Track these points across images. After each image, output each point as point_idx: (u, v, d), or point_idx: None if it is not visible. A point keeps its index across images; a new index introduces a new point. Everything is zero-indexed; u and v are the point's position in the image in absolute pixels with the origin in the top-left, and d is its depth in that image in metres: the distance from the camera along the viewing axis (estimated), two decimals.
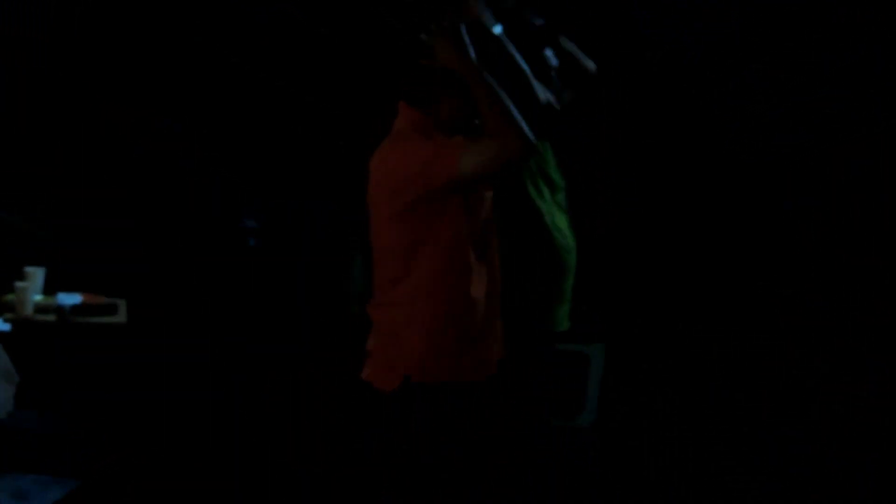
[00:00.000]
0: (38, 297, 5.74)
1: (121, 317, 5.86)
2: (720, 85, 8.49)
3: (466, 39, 4.04)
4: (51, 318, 5.66)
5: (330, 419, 6.67)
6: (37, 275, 5.80)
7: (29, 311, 5.63)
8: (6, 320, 5.48)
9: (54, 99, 8.76)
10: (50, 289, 5.89)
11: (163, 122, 8.50)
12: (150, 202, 8.19)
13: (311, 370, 6.93)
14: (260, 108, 8.79)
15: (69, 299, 5.77)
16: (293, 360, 6.99)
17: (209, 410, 6.26)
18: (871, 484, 5.71)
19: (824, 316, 7.40)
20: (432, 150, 3.86)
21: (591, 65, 5.01)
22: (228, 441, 6.14)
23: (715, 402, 7.16)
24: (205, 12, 8.61)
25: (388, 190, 3.96)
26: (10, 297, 5.64)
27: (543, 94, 4.52)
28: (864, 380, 6.88)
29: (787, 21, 8.23)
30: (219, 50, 8.74)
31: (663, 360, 6.98)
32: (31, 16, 8.20)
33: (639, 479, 5.90)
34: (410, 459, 3.87)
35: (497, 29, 4.67)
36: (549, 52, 4.83)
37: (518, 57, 4.58)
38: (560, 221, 4.86)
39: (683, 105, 8.39)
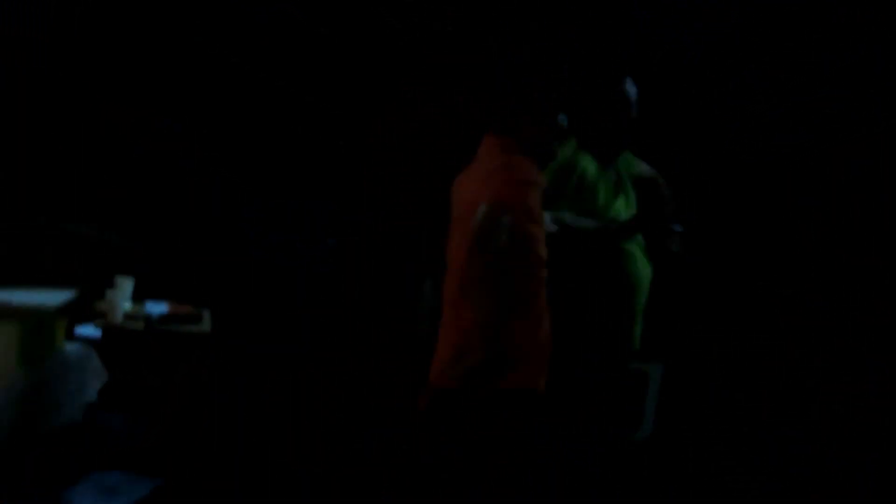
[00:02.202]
0: (128, 306, 5.78)
1: (205, 326, 5.90)
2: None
3: None
4: (139, 326, 5.71)
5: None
6: (125, 284, 5.82)
7: (118, 318, 5.67)
8: (97, 326, 5.53)
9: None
10: (138, 297, 5.94)
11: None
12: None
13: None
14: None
15: (156, 308, 5.85)
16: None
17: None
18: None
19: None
20: (507, 172, 3.96)
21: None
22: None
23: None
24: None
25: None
26: (100, 305, 5.67)
27: None
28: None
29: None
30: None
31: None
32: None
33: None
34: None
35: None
36: None
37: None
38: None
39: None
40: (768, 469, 6.41)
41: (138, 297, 5.90)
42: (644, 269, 4.83)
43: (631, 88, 4.99)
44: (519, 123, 4.13)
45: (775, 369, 7.28)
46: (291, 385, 6.75)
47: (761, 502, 6.02)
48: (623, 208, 5.32)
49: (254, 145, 8.89)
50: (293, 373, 6.88)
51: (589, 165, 4.97)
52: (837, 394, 7.20)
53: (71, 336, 5.10)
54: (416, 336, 7.88)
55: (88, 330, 5.39)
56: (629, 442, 5.63)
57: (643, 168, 5.14)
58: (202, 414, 5.76)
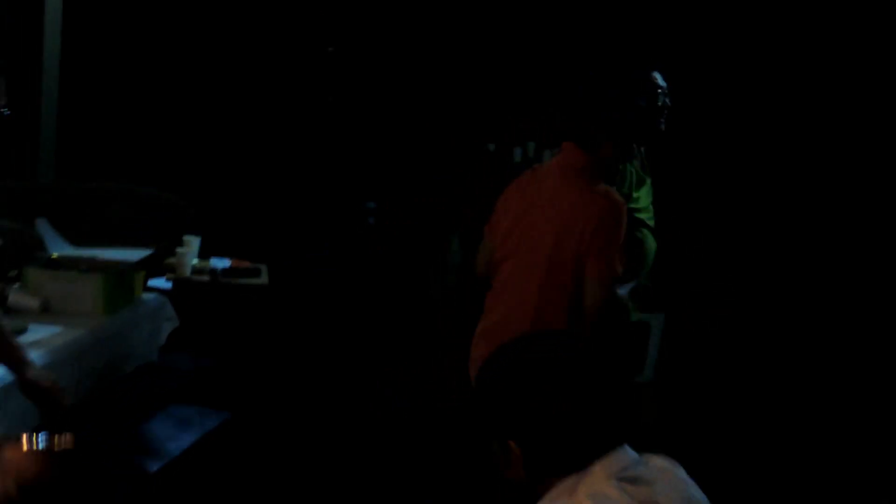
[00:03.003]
0: (195, 261, 5.95)
1: (263, 279, 6.05)
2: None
3: None
4: (205, 278, 5.89)
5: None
6: (193, 242, 5.98)
7: (187, 272, 5.86)
8: (168, 279, 5.73)
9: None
10: (204, 254, 6.11)
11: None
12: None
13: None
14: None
15: (220, 263, 6.02)
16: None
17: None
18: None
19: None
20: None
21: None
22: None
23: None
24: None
25: (556, 222, 4.12)
26: (171, 260, 5.83)
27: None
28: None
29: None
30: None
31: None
32: None
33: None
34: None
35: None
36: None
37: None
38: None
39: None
40: (761, 412, 6.39)
41: (204, 253, 6.04)
42: (652, 245, 4.96)
43: (659, 79, 5.10)
44: (598, 143, 4.15)
45: (767, 321, 7.36)
46: (338, 330, 6.93)
47: (755, 441, 5.95)
48: (645, 197, 5.49)
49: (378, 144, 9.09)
50: (339, 320, 7.10)
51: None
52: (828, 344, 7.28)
53: (147, 287, 5.23)
54: (445, 285, 8.14)
55: (162, 282, 5.53)
56: (633, 385, 5.68)
57: None
58: (261, 356, 5.96)
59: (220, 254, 6.13)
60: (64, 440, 1.31)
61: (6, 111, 3.54)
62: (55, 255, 5.07)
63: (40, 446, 1.27)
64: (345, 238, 8.19)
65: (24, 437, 1.25)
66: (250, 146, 8.70)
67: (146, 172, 7.06)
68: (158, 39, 8.74)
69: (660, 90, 4.88)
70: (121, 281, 4.90)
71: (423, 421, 5.78)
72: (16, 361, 3.77)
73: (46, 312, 4.66)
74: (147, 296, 5.18)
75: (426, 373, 6.27)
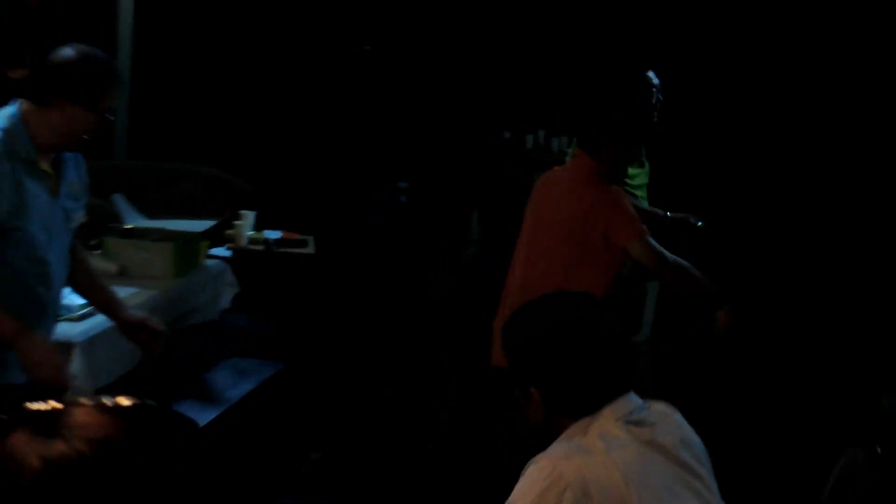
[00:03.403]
0: (251, 233, 5.94)
1: (310, 247, 6.06)
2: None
3: None
4: (259, 248, 5.91)
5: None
6: (249, 216, 5.97)
7: (244, 242, 5.85)
8: (228, 248, 5.72)
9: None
10: (259, 226, 6.09)
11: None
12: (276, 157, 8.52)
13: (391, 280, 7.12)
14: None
15: (273, 234, 6.02)
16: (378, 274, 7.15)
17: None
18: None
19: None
20: (624, 215, 3.94)
21: None
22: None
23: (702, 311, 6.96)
24: None
25: (563, 217, 4.02)
26: (230, 232, 5.83)
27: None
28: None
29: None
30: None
31: None
32: None
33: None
34: None
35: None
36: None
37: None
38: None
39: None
40: (745, 364, 6.35)
41: (259, 226, 6.03)
42: None
43: (653, 76, 5.02)
44: (600, 148, 4.04)
45: (752, 289, 7.09)
46: (375, 293, 6.86)
47: (740, 392, 5.91)
48: (641, 177, 5.44)
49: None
50: (377, 284, 7.08)
51: None
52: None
53: (210, 255, 5.27)
54: (466, 256, 8.13)
55: (222, 251, 5.54)
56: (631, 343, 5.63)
57: None
58: (308, 315, 5.95)
59: (273, 226, 6.12)
60: (130, 399, 1.32)
61: (111, 117, 3.57)
62: (130, 226, 5.11)
63: (108, 406, 1.27)
64: (382, 212, 8.18)
65: (94, 397, 1.25)
66: (299, 132, 8.72)
67: (209, 155, 7.04)
68: (218, 38, 8.75)
69: (654, 88, 4.83)
70: (188, 248, 4.95)
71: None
72: (113, 304, 3.87)
73: (123, 276, 4.69)
74: (210, 262, 5.22)
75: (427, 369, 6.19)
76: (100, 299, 3.90)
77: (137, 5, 7.31)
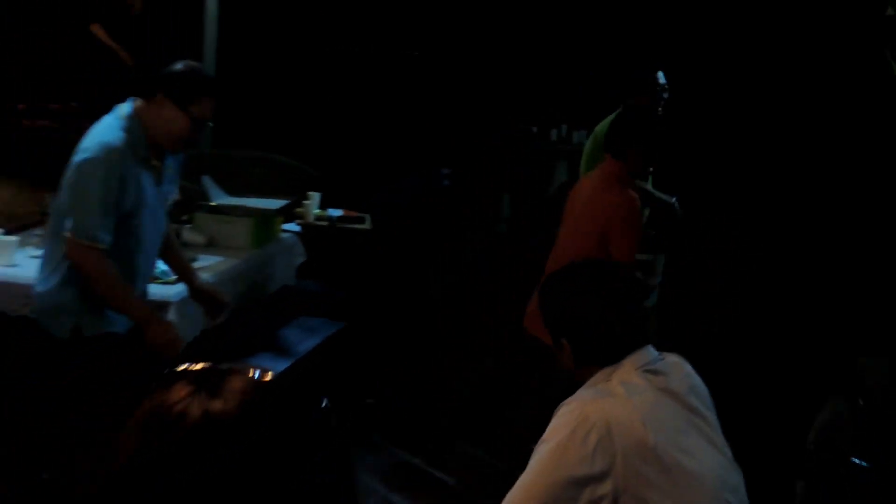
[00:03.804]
0: (317, 211, 5.99)
1: (367, 223, 6.10)
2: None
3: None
4: (324, 224, 5.96)
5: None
6: (315, 196, 6.04)
7: (311, 219, 5.91)
8: (297, 224, 5.76)
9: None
10: (324, 205, 6.15)
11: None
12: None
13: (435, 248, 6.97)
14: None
15: (335, 212, 6.06)
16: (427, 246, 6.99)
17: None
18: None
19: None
20: (627, 236, 3.97)
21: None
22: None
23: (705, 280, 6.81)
24: None
25: (587, 217, 4.08)
26: (299, 210, 5.88)
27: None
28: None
29: None
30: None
31: None
32: None
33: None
34: None
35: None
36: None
37: None
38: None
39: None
40: (743, 325, 6.25)
41: (323, 205, 6.07)
42: None
43: (661, 77, 4.98)
44: (623, 150, 4.06)
45: (749, 261, 7.09)
46: (420, 261, 6.77)
47: (737, 348, 5.79)
48: None
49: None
50: (422, 254, 7.06)
51: None
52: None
53: (283, 229, 5.31)
54: (497, 230, 8.12)
55: (293, 226, 5.57)
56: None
57: None
58: (365, 282, 5.96)
59: (335, 205, 6.14)
60: (270, 373, 1.35)
61: (210, 124, 3.62)
62: (216, 203, 5.14)
63: (257, 377, 1.30)
64: (426, 194, 8.20)
65: (248, 368, 1.28)
66: (357, 126, 8.75)
67: (281, 145, 7.09)
68: (288, 45, 8.79)
69: (658, 87, 4.78)
70: (265, 223, 4.98)
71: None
72: (188, 273, 3.96)
73: (211, 246, 4.74)
74: (283, 235, 5.25)
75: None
76: (178, 267, 3.97)
77: (221, 19, 7.34)
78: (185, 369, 1.23)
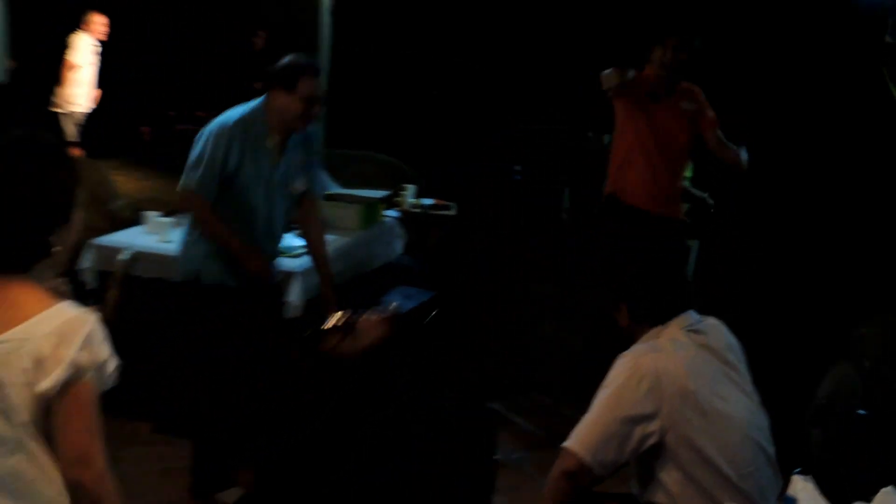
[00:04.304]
0: (412, 200, 5.98)
1: (452, 211, 6.08)
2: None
3: None
4: (418, 210, 5.94)
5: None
6: (411, 188, 6.02)
7: (408, 206, 5.88)
8: (397, 211, 5.72)
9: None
10: (418, 196, 6.11)
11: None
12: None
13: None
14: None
15: (427, 201, 6.05)
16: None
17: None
18: None
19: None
20: None
21: None
22: None
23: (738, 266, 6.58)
24: None
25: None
26: (398, 199, 5.86)
27: None
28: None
29: None
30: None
31: None
32: None
33: None
34: None
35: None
36: None
37: None
38: None
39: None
40: (770, 293, 6.05)
41: (418, 196, 6.08)
42: None
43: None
44: None
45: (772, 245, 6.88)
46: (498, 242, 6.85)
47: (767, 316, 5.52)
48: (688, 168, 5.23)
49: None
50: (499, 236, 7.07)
51: None
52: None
53: (385, 215, 5.35)
54: (560, 219, 8.07)
55: (393, 213, 5.57)
56: None
57: None
58: (452, 257, 5.99)
59: (427, 196, 6.15)
60: (397, 309, 1.33)
61: (319, 105, 3.64)
62: (331, 192, 5.17)
63: (385, 314, 1.27)
64: (501, 187, 8.23)
65: (379, 309, 1.27)
66: (446, 130, 8.81)
67: (383, 145, 7.12)
68: (384, 60, 8.86)
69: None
70: (370, 209, 5.04)
71: None
72: (318, 256, 3.97)
73: (326, 227, 4.67)
74: (386, 219, 5.29)
75: None
76: (312, 250, 3.97)
77: (333, 50, 7.38)
78: (331, 324, 1.23)
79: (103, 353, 1.76)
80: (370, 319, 1.20)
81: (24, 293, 1.76)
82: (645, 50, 4.47)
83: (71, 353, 1.70)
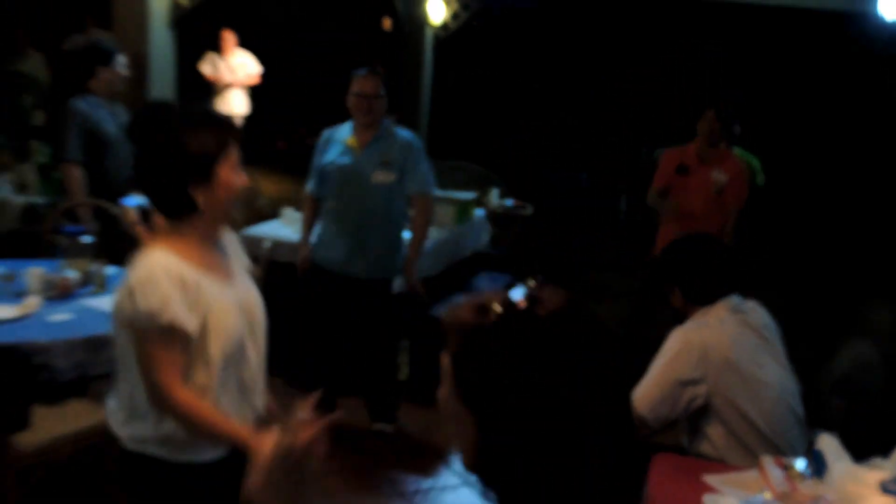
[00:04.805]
0: (496, 201, 5.97)
1: (529, 211, 6.07)
2: None
3: None
4: (501, 210, 5.93)
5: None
6: (494, 191, 6.00)
7: (492, 206, 5.86)
8: (484, 209, 5.61)
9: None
10: (501, 197, 6.11)
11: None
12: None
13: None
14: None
15: (508, 202, 6.06)
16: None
17: None
18: None
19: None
20: None
21: None
22: None
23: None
24: None
25: None
26: (484, 200, 5.81)
27: None
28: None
29: None
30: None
31: None
32: None
33: None
34: None
35: None
36: None
37: None
38: None
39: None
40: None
41: (501, 197, 6.07)
42: None
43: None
44: None
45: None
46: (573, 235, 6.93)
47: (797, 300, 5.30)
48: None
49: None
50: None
51: None
52: None
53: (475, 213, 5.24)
54: (618, 220, 7.99)
55: (481, 211, 5.48)
56: None
57: None
58: (527, 248, 5.99)
59: (509, 197, 6.13)
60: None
61: (368, 95, 3.59)
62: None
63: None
64: (570, 191, 8.19)
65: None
66: (521, 143, 8.79)
67: (472, 155, 7.12)
68: (473, 83, 8.87)
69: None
70: (463, 208, 4.99)
71: None
72: (411, 245, 3.81)
73: (427, 219, 4.75)
74: (476, 217, 5.25)
75: None
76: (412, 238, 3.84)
77: (436, 72, 7.42)
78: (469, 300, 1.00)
79: None
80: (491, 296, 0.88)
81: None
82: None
83: None
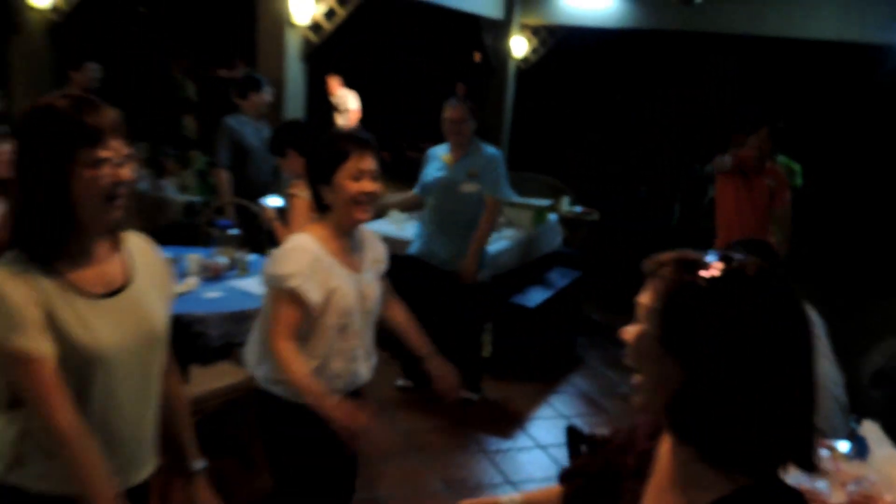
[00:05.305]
0: (567, 207, 5.81)
1: (595, 216, 5.85)
2: None
3: None
4: (572, 215, 5.75)
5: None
6: (565, 199, 5.83)
7: (564, 212, 5.70)
8: (556, 215, 5.47)
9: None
10: (571, 204, 5.94)
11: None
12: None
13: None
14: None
15: (578, 209, 5.87)
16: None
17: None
18: None
19: None
20: None
21: None
22: None
23: None
24: None
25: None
26: (557, 206, 5.60)
27: None
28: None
29: None
30: None
31: None
32: None
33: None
34: None
35: None
36: None
37: None
38: None
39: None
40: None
41: (572, 204, 5.91)
42: None
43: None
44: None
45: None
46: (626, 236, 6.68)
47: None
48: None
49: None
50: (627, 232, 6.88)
51: None
52: None
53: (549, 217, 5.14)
54: (671, 223, 7.73)
55: (553, 216, 5.37)
56: None
57: None
58: (593, 247, 5.80)
59: (578, 204, 6.00)
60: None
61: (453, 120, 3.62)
62: (512, 201, 5.09)
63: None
64: (628, 202, 7.99)
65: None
66: (591, 156, 8.66)
67: (546, 168, 7.05)
68: (549, 108, 8.77)
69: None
70: (539, 213, 4.93)
71: None
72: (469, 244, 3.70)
73: (509, 225, 4.73)
74: (550, 220, 5.15)
75: None
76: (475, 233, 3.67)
77: (517, 98, 7.35)
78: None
79: None
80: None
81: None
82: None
83: None
